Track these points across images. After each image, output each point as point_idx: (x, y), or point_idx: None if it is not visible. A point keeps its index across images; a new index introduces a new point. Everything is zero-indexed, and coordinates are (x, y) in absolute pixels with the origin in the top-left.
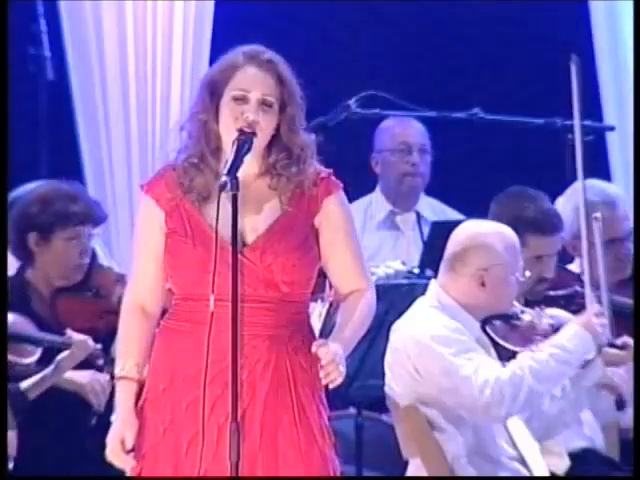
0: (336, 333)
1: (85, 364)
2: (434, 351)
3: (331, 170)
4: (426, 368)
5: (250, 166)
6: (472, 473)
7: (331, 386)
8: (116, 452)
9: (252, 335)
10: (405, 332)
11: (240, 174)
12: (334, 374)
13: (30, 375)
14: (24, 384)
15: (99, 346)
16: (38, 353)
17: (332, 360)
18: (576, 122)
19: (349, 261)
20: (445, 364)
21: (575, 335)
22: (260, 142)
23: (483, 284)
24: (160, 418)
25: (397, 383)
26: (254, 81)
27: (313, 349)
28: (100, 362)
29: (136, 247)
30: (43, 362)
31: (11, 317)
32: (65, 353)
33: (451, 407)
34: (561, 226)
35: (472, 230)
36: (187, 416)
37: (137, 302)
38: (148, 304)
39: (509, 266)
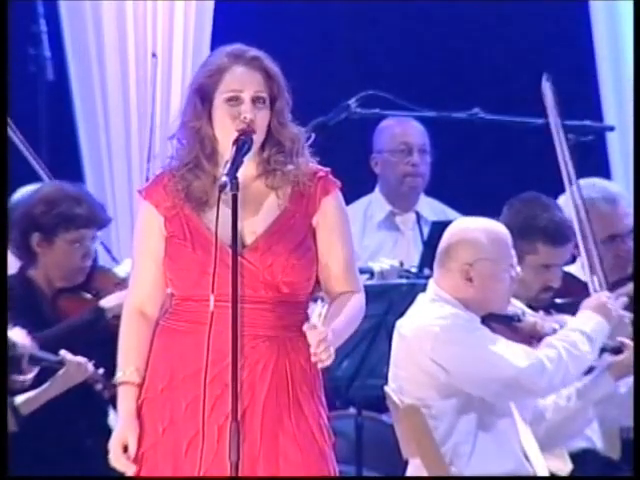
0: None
1: (84, 387)
2: (451, 338)
3: (329, 169)
4: (444, 357)
5: (248, 167)
6: (478, 452)
7: (320, 366)
8: (118, 457)
9: (252, 336)
10: (414, 325)
11: (240, 176)
12: (324, 355)
13: (25, 391)
14: (18, 399)
15: (101, 371)
16: (35, 370)
17: (322, 340)
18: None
19: (341, 263)
20: (468, 345)
21: (593, 321)
22: (257, 140)
23: (470, 279)
24: (159, 418)
25: (407, 378)
26: (244, 80)
27: (304, 328)
28: (99, 387)
29: (136, 252)
30: (40, 379)
31: (20, 338)
32: (61, 372)
33: (470, 395)
34: (571, 236)
35: (459, 226)
36: (186, 416)
37: (137, 307)
38: (148, 308)
39: (496, 261)
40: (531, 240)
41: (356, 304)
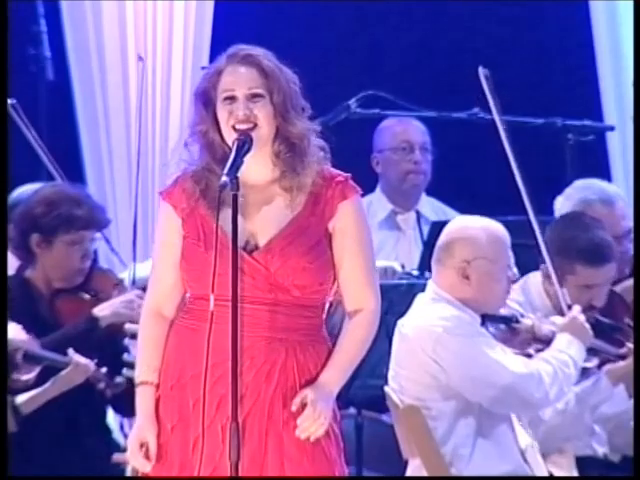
0: (330, 368)
1: (84, 387)
2: (452, 340)
3: (349, 174)
4: (445, 359)
5: (263, 169)
6: (477, 454)
7: (312, 438)
8: (136, 455)
9: (261, 337)
10: (416, 325)
11: (255, 179)
12: (312, 428)
13: (27, 390)
14: (19, 399)
15: (104, 370)
16: (37, 370)
17: (308, 416)
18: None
19: (357, 271)
20: (469, 349)
21: (574, 345)
22: (263, 132)
23: (467, 277)
24: (169, 416)
25: (407, 378)
26: (238, 79)
27: (293, 408)
28: (102, 386)
29: (155, 253)
30: (42, 378)
31: (14, 333)
32: (63, 373)
33: (468, 398)
34: (611, 257)
35: (459, 223)
36: (194, 414)
37: (155, 308)
38: (166, 309)
39: (494, 261)
40: (570, 260)
41: (365, 333)
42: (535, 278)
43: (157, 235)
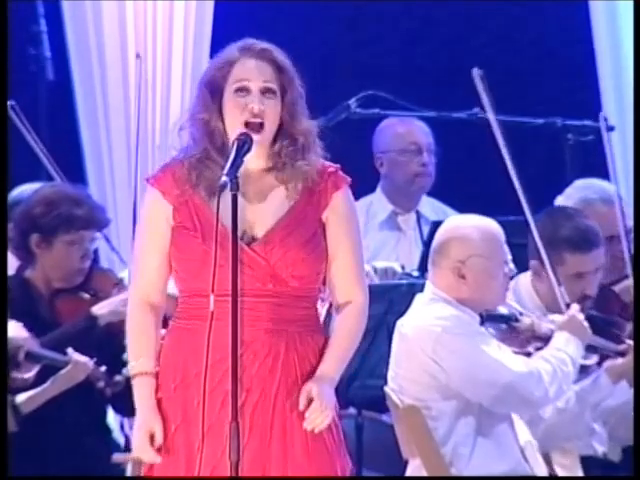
0: (327, 359)
1: (84, 386)
2: (452, 340)
3: (339, 165)
4: (445, 359)
5: (259, 160)
6: (477, 453)
7: (316, 430)
8: (145, 448)
9: (263, 329)
10: (415, 324)
11: (250, 168)
12: (318, 419)
13: (26, 389)
14: (19, 398)
15: (103, 369)
16: (36, 369)
17: (315, 408)
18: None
19: (348, 266)
20: (468, 348)
21: (572, 343)
22: (267, 131)
23: (463, 276)
24: (172, 417)
25: (407, 378)
26: (253, 71)
27: (300, 407)
28: (101, 384)
29: (140, 240)
30: (41, 377)
31: (16, 331)
32: (63, 372)
33: (468, 398)
34: (598, 242)
35: (451, 224)
36: (198, 412)
37: (143, 297)
38: (154, 297)
39: (489, 258)
40: (558, 251)
41: (355, 323)
42: (525, 278)
43: (142, 222)
